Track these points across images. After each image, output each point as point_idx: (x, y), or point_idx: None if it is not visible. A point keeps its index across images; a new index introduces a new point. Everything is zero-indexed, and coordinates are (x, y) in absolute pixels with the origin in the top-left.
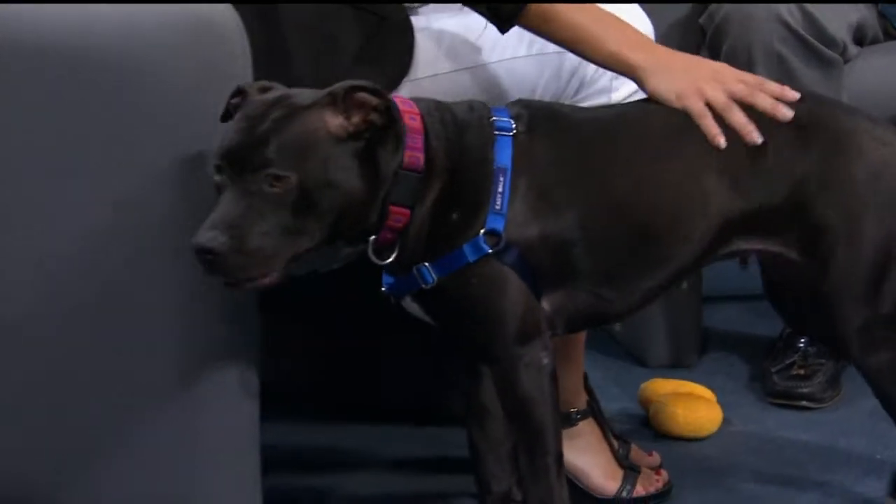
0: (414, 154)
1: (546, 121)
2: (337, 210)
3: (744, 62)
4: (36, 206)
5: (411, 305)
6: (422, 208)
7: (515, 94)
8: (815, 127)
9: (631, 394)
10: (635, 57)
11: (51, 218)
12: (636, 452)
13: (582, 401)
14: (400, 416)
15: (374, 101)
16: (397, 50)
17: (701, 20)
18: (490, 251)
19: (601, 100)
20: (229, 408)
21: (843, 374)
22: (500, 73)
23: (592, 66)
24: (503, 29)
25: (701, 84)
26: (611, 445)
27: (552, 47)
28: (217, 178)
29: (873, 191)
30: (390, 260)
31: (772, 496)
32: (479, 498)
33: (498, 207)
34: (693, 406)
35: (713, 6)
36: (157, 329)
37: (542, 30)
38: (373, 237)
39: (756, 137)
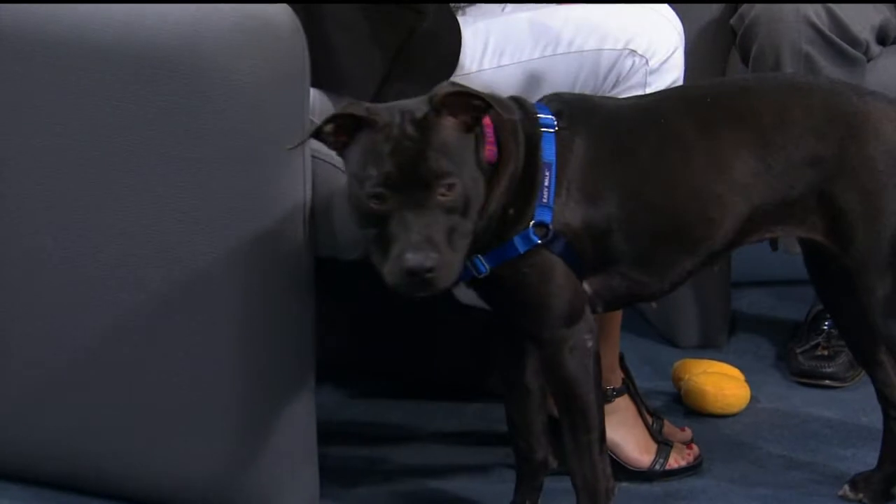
0: (490, 147)
1: (584, 115)
2: (479, 203)
3: (772, 61)
4: (117, 193)
5: (465, 293)
6: (493, 199)
7: (556, 89)
8: (833, 113)
9: (664, 373)
10: None
11: (132, 204)
12: (669, 428)
13: (618, 379)
14: (443, 392)
15: (474, 100)
16: (444, 46)
17: (732, 21)
18: (539, 242)
19: (636, 90)
20: (288, 385)
21: None
22: (542, 69)
23: (629, 62)
24: None
25: None
26: (645, 421)
27: (590, 45)
28: (378, 204)
29: (891, 169)
30: None
31: (796, 469)
32: (517, 467)
33: (545, 200)
34: (722, 384)
35: (744, 8)
36: (223, 312)
37: None
38: None
39: None
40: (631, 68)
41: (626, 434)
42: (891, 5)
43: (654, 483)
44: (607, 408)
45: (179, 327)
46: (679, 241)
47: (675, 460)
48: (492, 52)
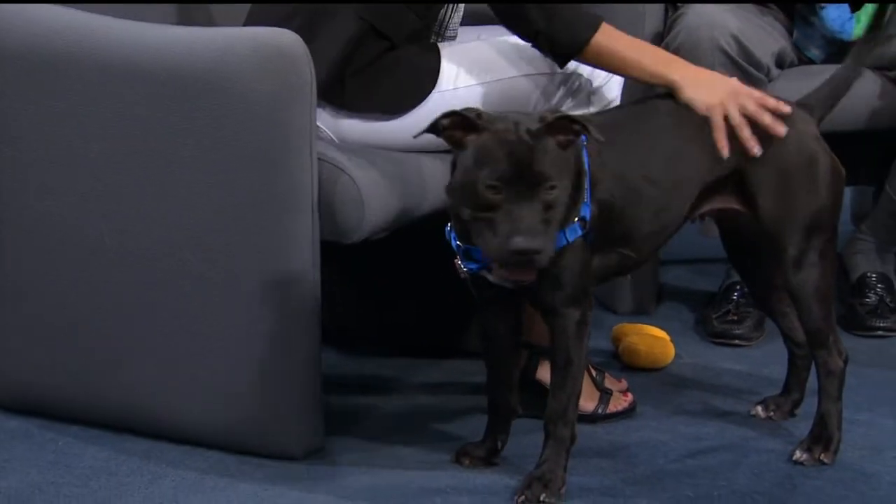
0: (577, 162)
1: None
2: (567, 206)
3: None
4: (158, 189)
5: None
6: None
7: (519, 104)
8: None
9: (604, 334)
10: (673, 74)
11: (170, 198)
12: (609, 379)
13: None
14: (428, 350)
15: (575, 126)
16: (425, 69)
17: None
18: (581, 233)
19: (581, 108)
20: (299, 345)
21: (767, 319)
22: (508, 88)
23: (576, 83)
24: (562, 63)
25: (724, 100)
26: (590, 374)
27: (546, 69)
28: (492, 194)
29: (797, 154)
30: None
31: (713, 412)
32: (490, 412)
33: (586, 200)
34: (652, 344)
35: (668, 39)
36: (247, 285)
37: (595, 62)
38: None
39: (756, 151)
40: (578, 87)
41: None
42: (787, 35)
43: (597, 424)
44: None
45: (211, 298)
46: (658, 220)
47: (614, 406)
48: (466, 74)
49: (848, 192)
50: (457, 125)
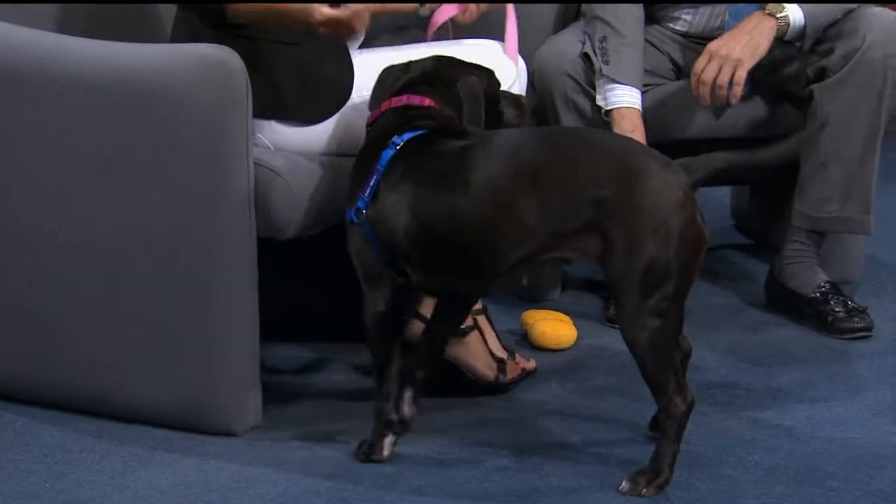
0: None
1: (421, 147)
2: None
3: (550, 106)
4: (110, 191)
5: None
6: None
7: None
8: (615, 167)
9: (516, 319)
10: None
11: (121, 198)
12: (519, 359)
13: (470, 320)
14: (354, 336)
15: None
16: (340, 80)
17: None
18: (356, 220)
19: None
20: (238, 331)
21: None
22: None
23: None
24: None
25: None
26: (486, 344)
27: None
28: None
29: (652, 218)
30: None
31: (611, 387)
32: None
33: (365, 195)
34: (557, 327)
35: (530, 63)
36: (190, 276)
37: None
38: None
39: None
40: None
41: (475, 357)
42: None
43: (500, 393)
44: (462, 340)
45: (156, 288)
46: (488, 257)
47: (512, 372)
48: (369, 80)
49: (728, 191)
50: None
